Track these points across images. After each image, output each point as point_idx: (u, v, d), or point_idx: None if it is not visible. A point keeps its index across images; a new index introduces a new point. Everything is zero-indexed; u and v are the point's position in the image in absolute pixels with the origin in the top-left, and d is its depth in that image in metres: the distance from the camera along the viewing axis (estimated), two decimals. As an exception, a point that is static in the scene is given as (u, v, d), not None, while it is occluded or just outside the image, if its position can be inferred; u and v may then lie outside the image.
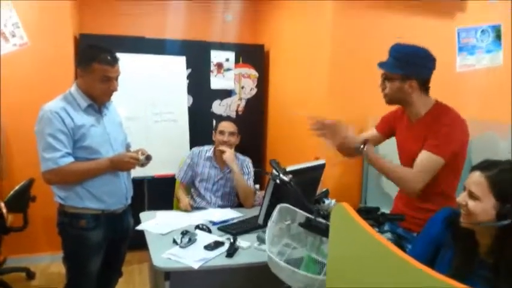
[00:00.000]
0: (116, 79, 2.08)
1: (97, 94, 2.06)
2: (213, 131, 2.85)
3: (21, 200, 2.99)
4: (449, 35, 3.16)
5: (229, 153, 2.68)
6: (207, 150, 2.82)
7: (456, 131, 1.80)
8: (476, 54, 3.21)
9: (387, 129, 2.13)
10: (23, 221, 3.02)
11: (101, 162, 2.05)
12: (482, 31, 3.20)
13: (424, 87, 1.87)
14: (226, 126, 2.78)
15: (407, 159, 1.92)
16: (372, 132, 2.18)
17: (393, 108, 2.09)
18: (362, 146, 1.88)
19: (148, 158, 2.18)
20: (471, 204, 1.34)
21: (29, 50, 3.40)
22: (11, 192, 2.94)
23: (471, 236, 1.40)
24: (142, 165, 2.18)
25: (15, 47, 3.39)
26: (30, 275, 3.31)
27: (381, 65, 1.90)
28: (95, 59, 2.00)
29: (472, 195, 1.35)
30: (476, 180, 1.35)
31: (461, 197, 1.38)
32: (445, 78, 3.12)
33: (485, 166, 1.36)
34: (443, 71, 3.19)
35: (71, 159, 1.98)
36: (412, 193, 1.82)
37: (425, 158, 1.78)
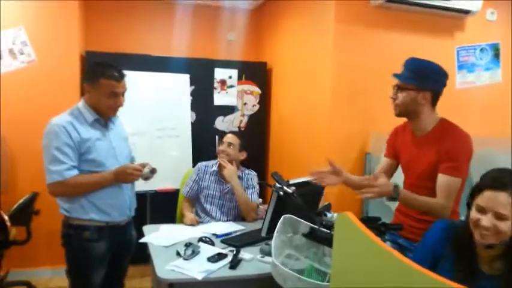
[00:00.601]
0: (123, 94, 2.13)
1: (104, 109, 2.11)
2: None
3: (24, 214, 3.00)
4: (448, 53, 3.23)
5: (228, 169, 2.68)
6: (213, 165, 2.83)
7: (467, 148, 1.85)
8: (476, 71, 3.28)
9: (393, 150, 2.14)
10: (26, 235, 3.03)
11: (104, 175, 2.08)
12: (481, 49, 3.27)
13: (435, 101, 1.92)
14: (228, 137, 2.80)
15: (414, 176, 1.95)
16: (385, 162, 2.17)
17: (397, 122, 2.11)
18: (394, 194, 1.80)
19: (153, 171, 2.20)
20: (501, 225, 1.32)
21: (36, 67, 3.47)
22: (15, 206, 2.96)
23: (470, 248, 1.40)
24: (147, 178, 2.20)
25: (23, 64, 3.46)
26: (32, 289, 3.30)
27: (397, 75, 1.93)
28: (102, 75, 2.06)
29: (500, 217, 1.32)
30: (504, 201, 1.31)
31: (487, 221, 1.33)
32: (445, 95, 3.17)
33: (503, 184, 1.33)
34: (444, 88, 3.25)
35: (76, 172, 2.02)
36: (445, 216, 1.82)
37: (447, 183, 1.81)
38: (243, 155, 2.81)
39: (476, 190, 1.39)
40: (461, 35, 3.25)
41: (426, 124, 1.92)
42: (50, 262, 3.50)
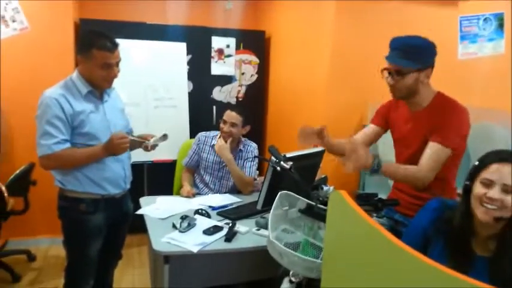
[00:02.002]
0: (116, 65, 2.07)
1: (97, 81, 2.06)
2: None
3: (21, 184, 3.01)
4: (451, 22, 3.14)
5: (219, 145, 2.66)
6: (213, 137, 2.80)
7: (462, 121, 1.79)
8: (478, 42, 3.20)
9: (384, 121, 2.08)
10: (24, 205, 3.04)
11: (95, 149, 2.03)
12: (485, 19, 3.18)
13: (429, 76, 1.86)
14: (230, 116, 2.72)
15: (407, 152, 1.91)
16: (371, 129, 2.11)
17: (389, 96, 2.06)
18: (376, 167, 1.74)
19: (165, 136, 2.20)
20: (508, 198, 1.30)
21: (30, 35, 3.38)
22: (12, 176, 2.97)
23: (463, 229, 1.39)
24: (153, 147, 2.19)
25: (16, 31, 3.37)
26: (31, 257, 3.35)
27: (394, 60, 1.80)
28: (94, 45, 1.98)
29: (507, 189, 1.30)
30: (508, 173, 1.30)
31: (495, 194, 1.31)
32: (447, 66, 3.11)
33: (509, 156, 1.32)
34: (445, 59, 3.18)
35: (67, 145, 1.98)
36: (420, 187, 1.80)
37: (434, 151, 1.76)
38: (245, 130, 2.79)
39: (481, 165, 1.37)
40: (464, 4, 3.15)
41: (422, 100, 1.87)
42: (48, 231, 3.54)
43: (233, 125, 2.70)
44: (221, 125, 2.74)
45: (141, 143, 2.19)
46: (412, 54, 1.78)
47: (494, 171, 1.33)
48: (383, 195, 1.88)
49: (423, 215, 1.52)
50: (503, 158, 1.33)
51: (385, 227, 1.45)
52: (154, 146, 2.20)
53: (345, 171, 1.75)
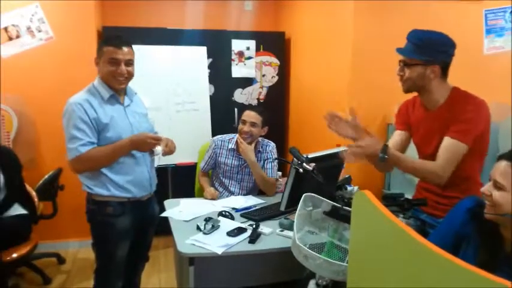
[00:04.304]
0: (126, 64, 2.09)
1: (106, 77, 2.10)
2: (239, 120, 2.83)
3: (50, 189, 3.09)
4: (476, 16, 3.06)
5: (244, 148, 2.64)
6: (229, 140, 2.79)
7: (478, 115, 1.73)
8: (505, 36, 3.11)
9: (405, 124, 2.03)
10: (52, 209, 3.12)
11: (120, 142, 2.08)
12: (511, 12, 3.09)
13: (445, 73, 1.81)
14: (249, 115, 2.70)
15: (429, 154, 1.86)
16: (398, 135, 2.05)
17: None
18: (383, 154, 1.70)
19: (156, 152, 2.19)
20: (496, 194, 1.29)
21: (54, 44, 3.48)
22: (40, 182, 3.05)
23: (496, 230, 1.35)
24: (163, 154, 2.20)
25: (42, 41, 3.47)
26: (61, 260, 3.44)
27: (401, 51, 1.82)
28: (104, 43, 2.09)
29: (497, 186, 1.30)
30: (502, 169, 1.30)
31: (486, 187, 1.33)
32: (472, 61, 3.05)
33: (510, 154, 1.31)
34: (470, 54, 3.11)
35: (92, 146, 2.03)
36: (438, 184, 1.77)
37: (449, 146, 1.72)
38: (264, 131, 2.77)
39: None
40: (489, -3, 3.07)
41: (437, 97, 1.82)
42: (77, 235, 3.62)
43: (253, 124, 2.68)
44: (240, 125, 2.73)
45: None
46: (419, 47, 1.76)
47: (494, 167, 1.33)
48: (409, 195, 1.85)
49: (455, 215, 1.47)
50: (505, 155, 1.33)
51: (412, 228, 1.43)
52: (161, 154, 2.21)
53: (347, 161, 1.72)
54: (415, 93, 1.93)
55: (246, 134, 2.68)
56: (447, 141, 1.73)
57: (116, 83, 2.12)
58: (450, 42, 1.78)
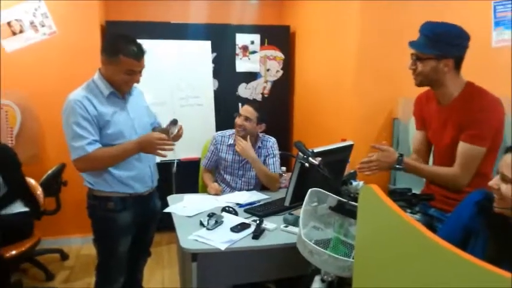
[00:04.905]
0: (140, 72, 2.08)
1: (119, 84, 2.07)
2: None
3: (53, 185, 3.07)
4: (484, 8, 3.00)
5: (242, 146, 2.60)
6: (229, 136, 2.77)
7: (494, 114, 1.70)
8: (514, 28, 3.05)
9: (422, 120, 2.00)
10: (56, 205, 3.11)
11: (128, 145, 2.05)
12: (521, 4, 3.03)
13: (458, 66, 1.76)
14: (245, 110, 2.70)
15: (443, 147, 1.84)
16: (418, 134, 2.03)
17: (421, 90, 1.98)
18: (398, 165, 1.79)
19: (174, 122, 2.16)
20: (504, 187, 1.27)
21: (58, 38, 3.46)
22: (44, 177, 3.04)
23: (505, 223, 1.32)
24: (174, 138, 2.15)
25: (45, 36, 3.45)
26: (64, 256, 3.43)
27: (413, 45, 1.77)
28: (122, 51, 1.99)
29: (504, 179, 1.27)
30: (509, 162, 1.27)
31: (494, 181, 1.31)
32: (481, 54, 2.97)
33: None
34: (479, 47, 3.03)
35: (98, 145, 2.00)
36: (461, 188, 1.75)
37: (467, 151, 1.70)
38: (260, 128, 2.74)
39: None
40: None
41: (451, 91, 1.78)
42: (80, 231, 3.61)
43: (247, 119, 2.67)
44: (236, 118, 2.72)
45: (167, 131, 2.16)
46: (432, 41, 1.71)
47: (502, 160, 1.31)
48: (416, 191, 1.82)
49: (464, 209, 1.45)
50: (510, 148, 1.30)
51: (420, 223, 1.39)
52: (176, 137, 2.17)
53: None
54: (426, 88, 1.89)
55: (240, 127, 2.67)
56: (464, 147, 1.71)
57: (127, 89, 2.12)
58: (464, 34, 1.73)
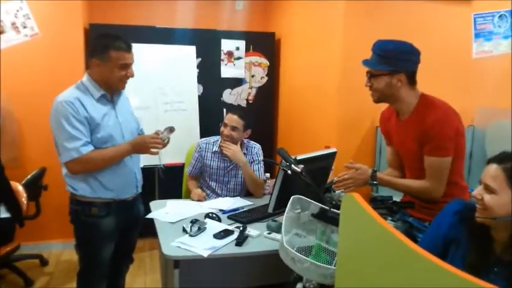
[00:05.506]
0: (131, 65, 2.08)
1: (114, 82, 2.05)
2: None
3: (33, 189, 3.01)
4: (465, 20, 3.08)
5: (232, 151, 2.59)
6: (214, 143, 2.76)
7: (448, 124, 1.76)
8: (494, 40, 3.13)
9: (389, 137, 2.09)
10: (36, 209, 3.05)
11: (121, 147, 2.05)
12: (500, 16, 3.11)
13: (412, 80, 1.84)
14: (230, 119, 2.66)
15: (410, 157, 1.92)
16: (390, 150, 2.11)
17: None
18: (372, 181, 1.87)
19: (171, 129, 2.17)
20: (487, 197, 1.29)
21: (40, 40, 3.41)
22: (23, 181, 2.98)
23: (486, 232, 1.34)
24: (166, 141, 2.16)
25: (27, 37, 3.40)
26: (44, 262, 3.36)
27: (366, 63, 1.87)
28: (111, 47, 1.99)
29: (488, 189, 1.29)
30: (492, 173, 1.29)
31: (477, 191, 1.33)
32: (461, 65, 3.06)
33: (502, 158, 1.31)
34: (459, 58, 3.12)
35: (91, 147, 1.99)
36: (437, 199, 1.80)
37: (433, 164, 1.78)
38: (247, 134, 2.74)
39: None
40: (478, 1, 3.09)
41: (407, 105, 1.86)
42: (61, 236, 3.55)
43: (234, 128, 2.64)
44: (222, 128, 2.69)
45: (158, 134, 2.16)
46: (384, 58, 1.81)
47: (485, 170, 1.34)
48: (397, 198, 1.86)
49: (443, 219, 1.47)
50: (494, 159, 1.33)
51: (400, 231, 1.42)
52: (167, 142, 2.18)
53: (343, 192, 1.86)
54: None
55: (227, 137, 2.65)
56: (429, 160, 1.79)
57: (122, 86, 2.10)
58: (413, 50, 1.82)
